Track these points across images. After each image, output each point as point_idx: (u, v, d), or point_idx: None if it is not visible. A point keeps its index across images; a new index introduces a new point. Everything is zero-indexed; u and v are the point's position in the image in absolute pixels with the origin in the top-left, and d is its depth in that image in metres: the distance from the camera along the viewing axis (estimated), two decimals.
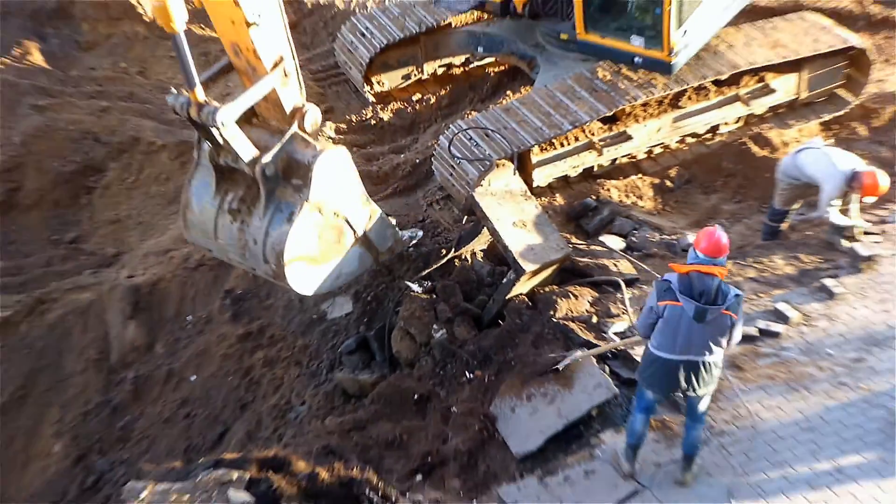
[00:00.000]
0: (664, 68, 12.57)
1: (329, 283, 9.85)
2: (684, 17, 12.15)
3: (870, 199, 10.98)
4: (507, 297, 10.93)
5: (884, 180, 10.78)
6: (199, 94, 8.48)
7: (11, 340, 14.97)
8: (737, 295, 7.61)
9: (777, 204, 11.61)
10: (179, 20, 7.71)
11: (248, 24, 8.32)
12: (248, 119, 8.93)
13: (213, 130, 8.52)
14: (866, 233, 11.34)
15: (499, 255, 11.30)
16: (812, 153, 11.16)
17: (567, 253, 11.10)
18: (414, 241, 11.14)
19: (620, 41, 12.70)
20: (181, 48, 8.03)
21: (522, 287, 10.96)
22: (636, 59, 12.65)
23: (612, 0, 12.74)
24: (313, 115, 9.23)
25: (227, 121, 8.44)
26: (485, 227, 11.27)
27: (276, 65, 8.81)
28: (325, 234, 9.46)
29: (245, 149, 8.75)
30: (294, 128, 9.07)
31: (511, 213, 11.17)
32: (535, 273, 10.85)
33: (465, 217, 11.62)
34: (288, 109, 9.14)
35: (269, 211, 9.09)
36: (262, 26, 8.45)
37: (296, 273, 9.30)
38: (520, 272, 10.65)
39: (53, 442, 13.75)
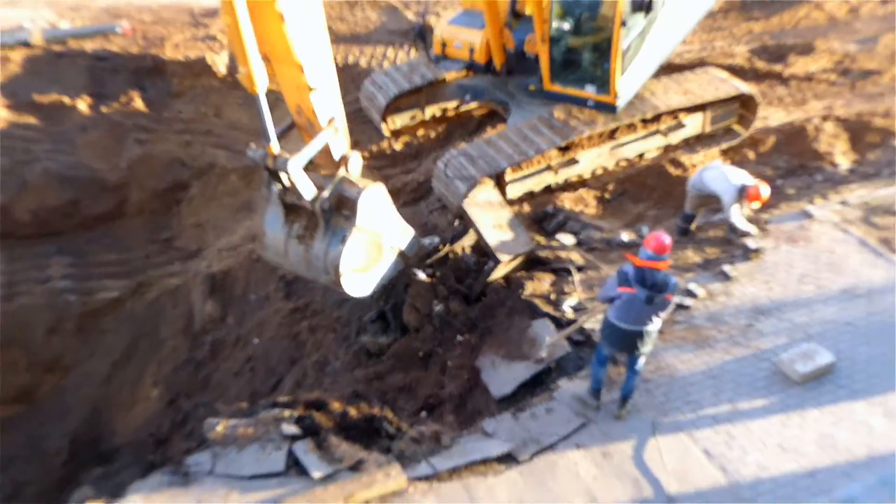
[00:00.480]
0: (610, 109, 12.60)
1: (373, 285, 9.85)
2: (625, 68, 12.21)
3: (756, 205, 10.99)
4: (488, 280, 10.92)
5: (765, 191, 10.82)
6: (275, 147, 8.45)
7: (120, 314, 14.99)
8: (675, 283, 7.75)
9: (687, 209, 11.60)
10: (261, 85, 7.63)
11: (310, 89, 8.24)
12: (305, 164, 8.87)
13: (283, 176, 8.51)
14: (761, 228, 11.32)
15: (482, 249, 11.28)
16: (713, 171, 11.17)
17: (532, 247, 11.12)
18: (433, 247, 11.10)
19: (577, 89, 12.69)
20: (261, 107, 7.94)
21: (499, 272, 10.95)
22: (589, 102, 12.67)
23: (570, 59, 12.71)
24: (356, 161, 9.13)
25: (295, 169, 8.41)
26: (471, 229, 11.25)
27: (329, 122, 8.72)
28: (369, 249, 9.44)
29: (308, 189, 8.70)
30: (342, 172, 9.01)
31: (491, 217, 11.18)
32: (509, 262, 10.85)
33: (457, 221, 11.59)
34: (336, 157, 9.04)
35: (326, 236, 9.08)
36: (320, 91, 8.37)
37: (349, 281, 9.31)
38: (497, 261, 10.68)
39: (152, 389, 13.76)
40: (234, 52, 7.58)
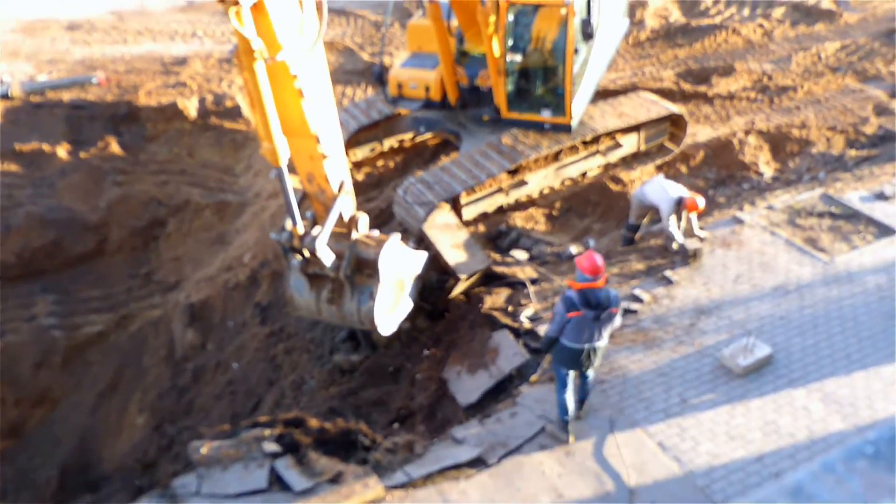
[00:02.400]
0: (567, 129, 12.74)
1: (404, 315, 9.81)
2: (575, 92, 12.35)
3: (694, 215, 11.00)
4: (450, 297, 10.81)
5: (701, 202, 10.84)
6: (300, 228, 8.27)
7: (104, 346, 14.71)
8: (616, 295, 7.62)
9: (631, 220, 11.59)
10: (284, 158, 7.39)
11: (324, 157, 8.02)
12: (314, 224, 8.70)
13: (306, 251, 8.38)
14: (701, 239, 11.28)
15: (442, 268, 11.13)
16: (653, 185, 11.20)
17: (489, 264, 11.03)
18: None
19: (534, 115, 12.75)
20: (284, 180, 7.65)
21: (460, 289, 10.83)
22: (545, 126, 12.75)
23: (525, 89, 12.82)
24: (364, 220, 8.96)
25: (322, 246, 8.26)
26: (432, 250, 11.10)
27: (340, 187, 8.50)
28: (395, 292, 9.37)
29: (329, 259, 8.54)
30: (355, 234, 8.85)
31: (449, 238, 11.09)
32: (468, 279, 10.74)
33: (418, 243, 11.43)
34: (346, 218, 8.84)
35: (355, 295, 8.98)
36: (332, 158, 8.16)
37: (383, 324, 9.29)
38: (458, 278, 10.57)
39: (137, 416, 13.47)
40: (256, 129, 7.38)
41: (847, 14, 19.43)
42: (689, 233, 11.14)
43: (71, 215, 16.01)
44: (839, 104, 15.59)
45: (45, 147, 16.56)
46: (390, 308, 9.36)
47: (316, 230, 8.48)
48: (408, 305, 9.85)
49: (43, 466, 13.47)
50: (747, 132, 14.67)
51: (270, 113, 7.11)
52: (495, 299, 10.58)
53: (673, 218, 10.90)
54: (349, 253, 8.77)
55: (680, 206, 10.82)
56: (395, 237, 9.10)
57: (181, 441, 11.95)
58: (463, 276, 10.65)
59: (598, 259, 7.53)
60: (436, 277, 11.29)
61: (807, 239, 11.16)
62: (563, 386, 8.02)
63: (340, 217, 8.80)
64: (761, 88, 16.40)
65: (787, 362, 9.06)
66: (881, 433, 8.11)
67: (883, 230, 11.22)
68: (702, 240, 11.18)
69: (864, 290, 10.16)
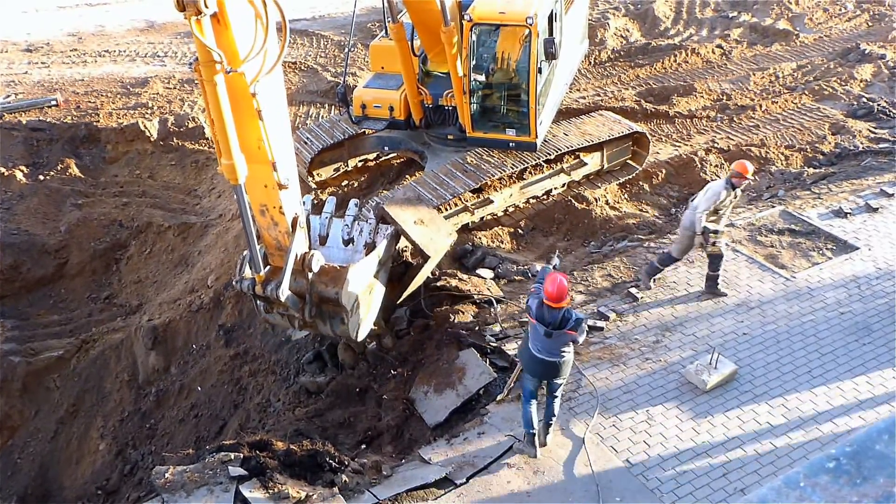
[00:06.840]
0: (532, 147, 12.79)
1: (375, 316, 9.80)
2: (539, 111, 12.43)
3: (746, 182, 10.34)
4: (416, 282, 10.67)
5: (749, 165, 10.25)
6: (263, 273, 8.19)
7: (65, 372, 14.42)
8: (577, 319, 7.63)
9: (674, 254, 10.64)
10: (242, 176, 7.29)
11: (281, 187, 7.92)
12: (265, 263, 8.50)
13: (271, 297, 8.29)
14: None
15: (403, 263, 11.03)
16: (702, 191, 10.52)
17: (455, 236, 11.00)
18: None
19: (499, 134, 12.82)
20: (243, 201, 7.46)
21: (428, 269, 10.65)
22: (511, 144, 12.82)
23: (490, 108, 12.94)
24: (317, 258, 8.66)
25: (284, 294, 8.18)
26: (396, 230, 10.34)
27: (294, 221, 8.25)
28: (364, 303, 9.27)
29: (293, 302, 8.48)
30: (311, 276, 8.58)
31: (411, 215, 10.60)
32: (437, 255, 10.59)
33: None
34: (299, 255, 8.51)
35: (326, 321, 8.99)
36: (288, 188, 8.04)
37: (362, 332, 9.40)
38: (426, 258, 10.36)
39: (99, 442, 13.21)
40: (216, 147, 7.20)
41: (803, 35, 19.88)
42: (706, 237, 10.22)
43: (30, 239, 15.77)
44: (796, 123, 15.89)
45: (3, 170, 16.33)
46: (363, 317, 9.32)
47: (268, 270, 8.38)
48: (379, 300, 9.78)
49: (1, 495, 13.17)
50: (708, 151, 14.89)
51: (229, 127, 7.02)
52: (462, 318, 10.60)
53: (703, 216, 10.03)
54: (310, 296, 8.63)
55: (733, 179, 10.04)
56: (351, 268, 8.89)
57: (144, 466, 11.76)
58: (432, 253, 10.35)
59: (565, 285, 7.57)
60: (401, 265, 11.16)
61: (768, 256, 11.35)
62: (527, 397, 8.10)
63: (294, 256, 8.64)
64: (720, 108, 16.68)
65: (751, 378, 9.19)
66: (843, 448, 8.22)
67: (841, 246, 11.46)
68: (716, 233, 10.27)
69: (825, 305, 10.35)
